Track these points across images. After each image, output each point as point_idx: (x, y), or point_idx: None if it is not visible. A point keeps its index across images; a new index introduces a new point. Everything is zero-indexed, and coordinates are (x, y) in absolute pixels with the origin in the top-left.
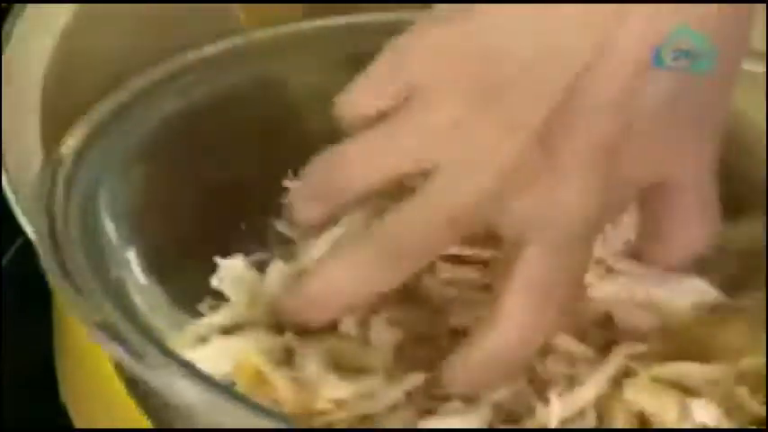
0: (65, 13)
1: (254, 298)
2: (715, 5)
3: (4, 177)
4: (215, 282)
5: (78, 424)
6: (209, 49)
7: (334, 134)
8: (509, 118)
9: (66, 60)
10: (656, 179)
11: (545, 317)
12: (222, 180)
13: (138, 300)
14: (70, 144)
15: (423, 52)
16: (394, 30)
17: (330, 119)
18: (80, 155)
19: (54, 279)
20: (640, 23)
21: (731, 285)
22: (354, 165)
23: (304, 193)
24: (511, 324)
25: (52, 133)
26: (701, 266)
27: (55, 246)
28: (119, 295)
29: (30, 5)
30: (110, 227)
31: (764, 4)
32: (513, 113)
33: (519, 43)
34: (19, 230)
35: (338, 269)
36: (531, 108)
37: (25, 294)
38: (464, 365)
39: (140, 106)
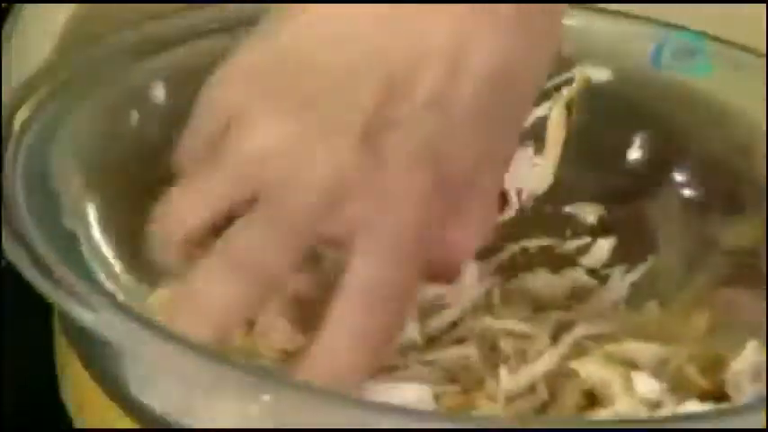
0: (65, 13)
1: None
2: (516, 5)
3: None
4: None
5: (78, 424)
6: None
7: None
8: (326, 128)
9: None
10: (472, 180)
11: (375, 319)
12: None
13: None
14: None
15: (236, 79)
16: None
17: None
18: (39, 107)
19: None
20: (451, 23)
21: (726, 284)
22: (179, 206)
23: (152, 236)
24: (341, 329)
25: None
26: (698, 265)
27: None
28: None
29: (30, 5)
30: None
31: (764, 4)
32: (330, 122)
33: (331, 50)
34: None
35: (200, 293)
36: (347, 114)
37: (25, 294)
38: (307, 371)
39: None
